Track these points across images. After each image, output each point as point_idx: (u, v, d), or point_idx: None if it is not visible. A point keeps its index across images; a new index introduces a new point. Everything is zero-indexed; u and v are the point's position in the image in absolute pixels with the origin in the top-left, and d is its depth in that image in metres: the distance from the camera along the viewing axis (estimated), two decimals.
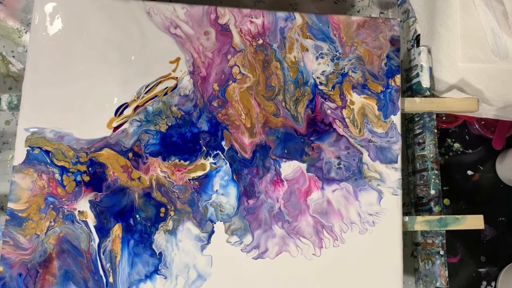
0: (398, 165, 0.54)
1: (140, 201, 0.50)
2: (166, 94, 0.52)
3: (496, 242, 0.64)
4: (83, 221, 0.49)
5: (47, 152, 0.49)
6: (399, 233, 0.52)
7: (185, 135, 0.52)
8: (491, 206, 0.65)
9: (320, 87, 0.54)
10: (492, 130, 0.65)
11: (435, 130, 0.58)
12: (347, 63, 0.55)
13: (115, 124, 0.51)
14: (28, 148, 0.49)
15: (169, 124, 0.52)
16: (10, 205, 0.48)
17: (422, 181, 0.58)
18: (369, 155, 0.53)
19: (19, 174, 0.49)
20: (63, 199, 0.49)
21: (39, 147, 0.49)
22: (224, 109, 0.53)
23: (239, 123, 0.52)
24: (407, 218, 0.54)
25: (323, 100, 0.54)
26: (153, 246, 0.49)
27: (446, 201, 0.65)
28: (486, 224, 0.63)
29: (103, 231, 0.49)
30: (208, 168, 0.51)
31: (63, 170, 0.49)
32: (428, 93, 0.58)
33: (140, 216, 0.50)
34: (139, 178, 0.50)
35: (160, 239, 0.49)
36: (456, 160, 0.66)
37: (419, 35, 0.62)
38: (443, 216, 0.55)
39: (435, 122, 0.58)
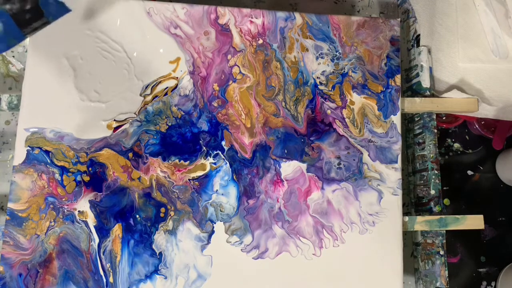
0: (398, 165, 0.54)
1: (140, 201, 0.50)
2: (166, 94, 0.52)
3: (496, 242, 0.64)
4: (83, 221, 0.49)
5: (47, 152, 0.50)
6: (399, 233, 0.52)
7: (185, 135, 0.52)
8: (491, 206, 0.65)
9: (320, 87, 0.54)
10: (492, 130, 0.65)
11: (435, 130, 0.58)
12: (347, 63, 0.55)
13: (115, 124, 0.51)
14: (28, 148, 0.49)
15: (169, 124, 0.52)
16: (10, 205, 0.48)
17: (422, 181, 0.58)
18: (369, 155, 0.53)
19: (19, 174, 0.49)
20: (63, 199, 0.49)
21: (39, 147, 0.49)
22: (224, 109, 0.53)
23: (239, 123, 0.52)
24: (407, 218, 0.54)
25: (323, 100, 0.54)
26: (153, 246, 0.49)
27: (446, 201, 0.65)
28: (486, 224, 0.63)
29: (103, 231, 0.49)
30: (208, 168, 0.51)
31: (63, 170, 0.49)
32: (428, 93, 0.58)
33: (140, 216, 0.50)
34: (139, 178, 0.50)
35: (160, 239, 0.49)
36: (456, 160, 0.66)
37: (419, 35, 0.62)
38: (443, 216, 0.55)
39: (435, 122, 0.58)
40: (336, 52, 0.55)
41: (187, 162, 0.51)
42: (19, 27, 0.41)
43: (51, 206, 0.49)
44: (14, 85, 0.61)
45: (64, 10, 0.44)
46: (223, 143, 0.52)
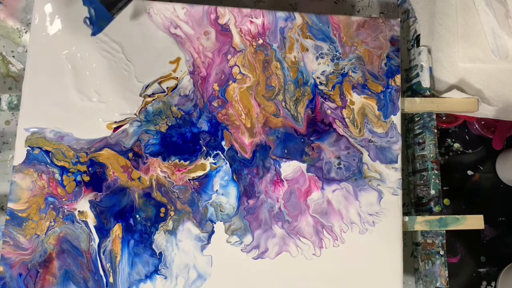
0: (398, 165, 0.54)
1: (140, 201, 0.50)
2: (166, 94, 0.52)
3: (496, 242, 0.64)
4: (83, 221, 0.49)
5: (47, 152, 0.50)
6: (399, 233, 0.52)
7: (185, 135, 0.52)
8: (491, 206, 0.65)
9: (320, 87, 0.54)
10: (492, 130, 0.65)
11: (435, 130, 0.58)
12: (347, 63, 0.55)
13: (115, 124, 0.51)
14: (28, 148, 0.49)
15: (169, 124, 0.52)
16: (10, 205, 0.48)
17: (422, 181, 0.58)
18: (369, 155, 0.53)
19: (19, 174, 0.49)
20: (63, 199, 0.49)
21: (39, 147, 0.49)
22: (224, 109, 0.53)
23: (239, 123, 0.52)
24: (407, 218, 0.54)
25: (323, 100, 0.54)
26: (153, 246, 0.49)
27: (446, 201, 0.65)
28: (486, 224, 0.63)
29: (103, 231, 0.49)
30: (208, 168, 0.51)
31: (63, 170, 0.49)
32: (428, 93, 0.58)
33: (140, 216, 0.50)
34: (139, 178, 0.50)
35: (160, 239, 0.49)
36: (456, 160, 0.66)
37: (419, 35, 0.62)
38: (443, 216, 0.55)
39: (435, 122, 0.58)
40: (336, 52, 0.55)
41: (187, 162, 0.51)
42: (107, 9, 0.45)
43: (51, 206, 0.49)
44: (14, 85, 0.61)
45: None
46: (223, 143, 0.52)
